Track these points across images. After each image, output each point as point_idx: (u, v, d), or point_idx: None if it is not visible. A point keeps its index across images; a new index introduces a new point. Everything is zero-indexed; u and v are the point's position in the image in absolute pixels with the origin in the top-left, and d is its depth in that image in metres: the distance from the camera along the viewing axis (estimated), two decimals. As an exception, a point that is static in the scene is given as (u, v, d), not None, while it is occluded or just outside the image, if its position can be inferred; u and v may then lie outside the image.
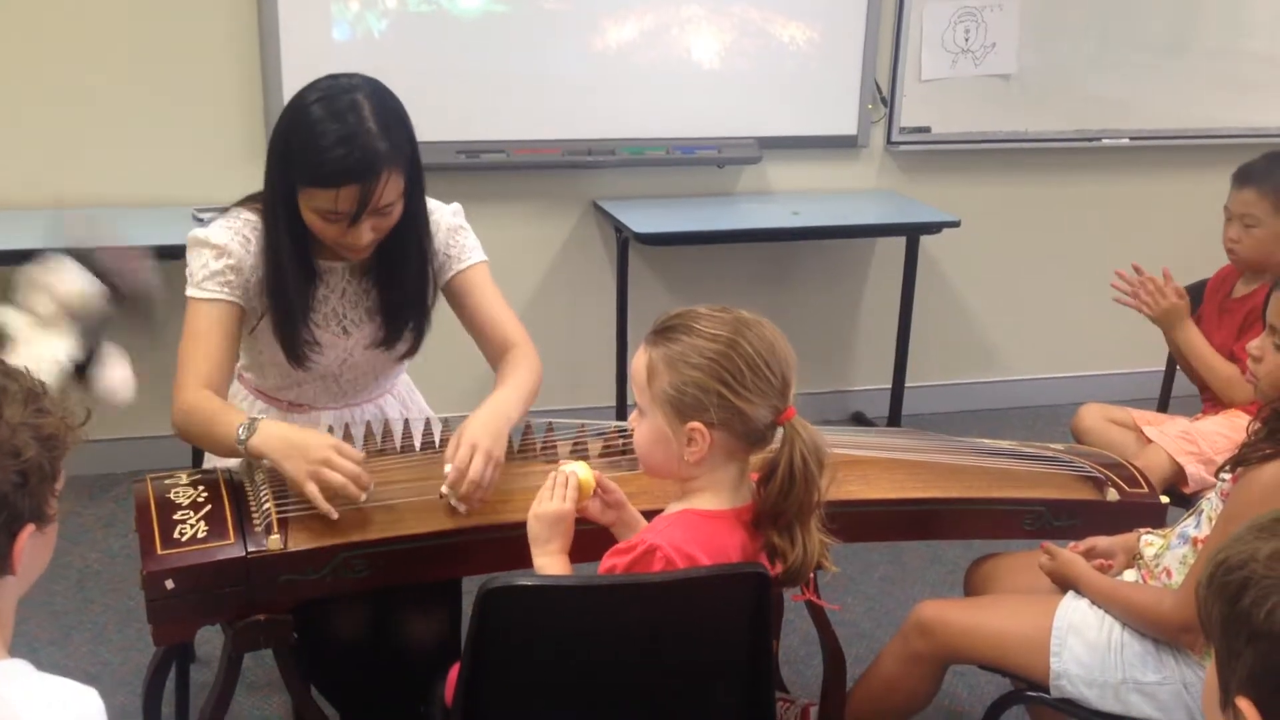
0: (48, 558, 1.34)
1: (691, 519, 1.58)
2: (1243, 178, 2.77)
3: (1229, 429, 2.65)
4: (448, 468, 1.80)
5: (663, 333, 1.57)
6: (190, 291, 1.97)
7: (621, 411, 3.76)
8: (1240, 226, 2.75)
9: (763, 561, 1.60)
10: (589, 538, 1.69)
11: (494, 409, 1.90)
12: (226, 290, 1.95)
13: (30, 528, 1.23)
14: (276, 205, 1.93)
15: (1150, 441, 2.73)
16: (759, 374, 1.52)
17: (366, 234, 1.90)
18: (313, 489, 1.72)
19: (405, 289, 2.03)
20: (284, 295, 1.96)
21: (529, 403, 1.99)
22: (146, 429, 3.44)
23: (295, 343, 1.99)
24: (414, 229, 1.99)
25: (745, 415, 1.52)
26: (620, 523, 1.72)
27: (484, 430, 1.83)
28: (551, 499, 1.63)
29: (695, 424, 1.53)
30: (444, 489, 1.80)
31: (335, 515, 1.73)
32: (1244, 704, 1.04)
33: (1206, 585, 1.11)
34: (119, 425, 3.51)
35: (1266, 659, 1.03)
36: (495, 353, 2.09)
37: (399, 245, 1.98)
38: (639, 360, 1.60)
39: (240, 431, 1.81)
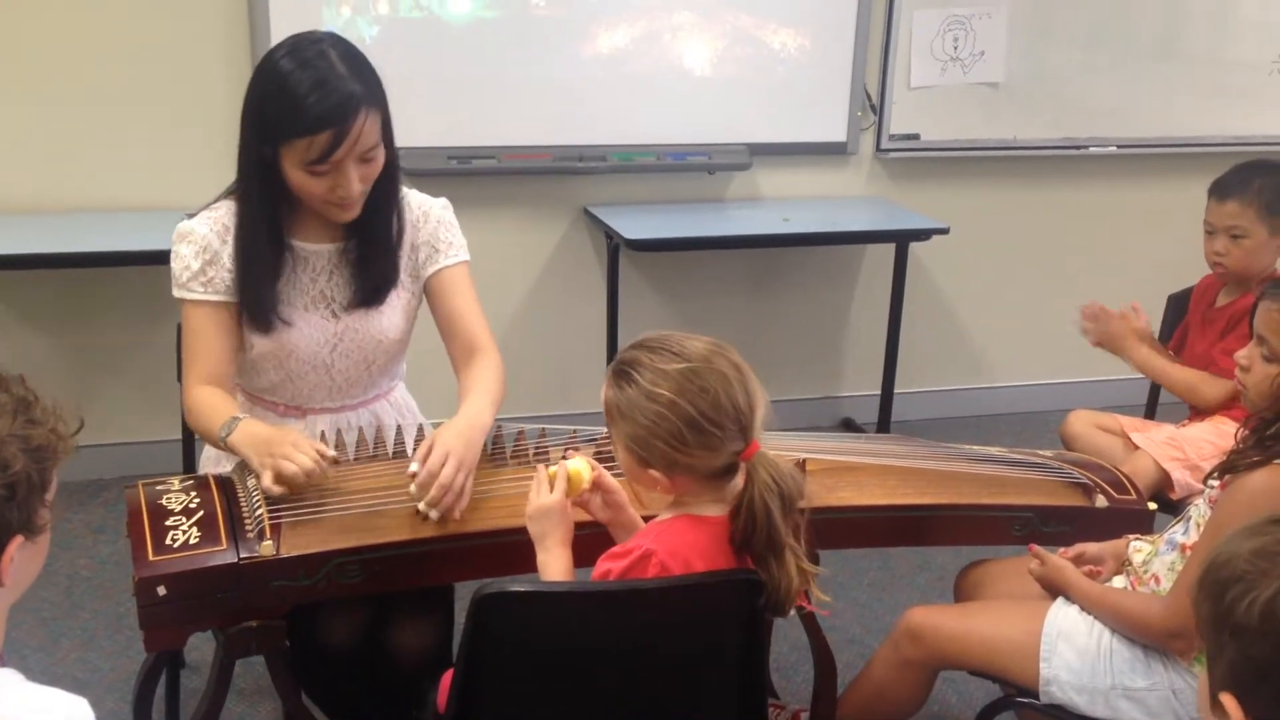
0: (39, 567, 1.33)
1: (685, 524, 1.59)
2: (1222, 191, 2.76)
3: (1215, 435, 2.67)
4: (414, 467, 1.80)
5: (618, 372, 1.57)
6: (176, 293, 2.00)
7: (612, 417, 3.76)
8: (1227, 239, 2.74)
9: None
10: (585, 542, 1.69)
11: (468, 418, 1.91)
12: (209, 290, 1.98)
13: (19, 539, 1.23)
14: (252, 170, 1.95)
15: (1137, 448, 2.75)
16: (701, 431, 1.51)
17: (355, 183, 1.91)
18: (268, 477, 1.78)
19: (377, 238, 2.04)
20: (250, 259, 1.97)
21: (498, 409, 2.01)
22: (136, 434, 3.45)
23: (254, 303, 1.99)
24: (388, 177, 2.00)
25: (694, 467, 1.54)
26: (618, 523, 1.73)
27: (458, 438, 1.83)
28: (539, 495, 1.65)
29: (653, 471, 1.55)
30: (412, 488, 1.80)
31: (276, 491, 1.78)
32: (1226, 699, 1.05)
33: (1198, 587, 1.12)
34: (108, 430, 3.51)
35: (1246, 652, 1.04)
36: (462, 354, 2.09)
37: (374, 196, 2.00)
38: (603, 394, 1.60)
39: (222, 430, 1.89)
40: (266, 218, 1.97)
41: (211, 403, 1.95)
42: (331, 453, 1.84)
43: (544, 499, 1.65)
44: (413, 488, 1.80)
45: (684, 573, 1.53)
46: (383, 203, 2.02)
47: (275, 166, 1.91)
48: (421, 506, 1.80)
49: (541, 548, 1.64)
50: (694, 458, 1.52)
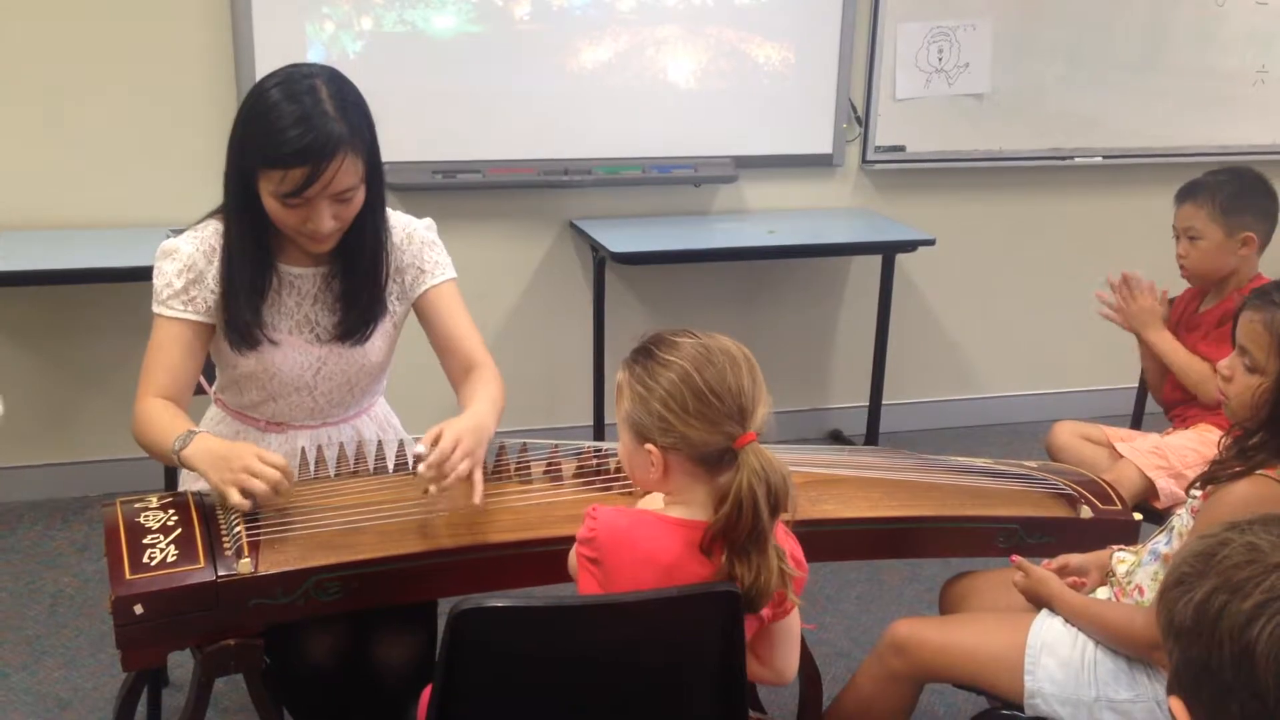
0: None
1: (644, 517, 1.60)
2: (1182, 194, 2.84)
3: (1199, 443, 2.68)
4: (420, 449, 1.79)
5: (633, 355, 1.61)
6: (155, 308, 2.00)
7: (599, 431, 3.76)
8: (1186, 241, 2.82)
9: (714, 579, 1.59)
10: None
11: (475, 419, 1.90)
12: (190, 309, 1.98)
13: None
14: (236, 192, 1.95)
15: (1122, 457, 2.75)
16: (705, 402, 1.53)
17: (327, 220, 1.91)
18: (235, 494, 1.75)
19: (361, 273, 2.04)
20: (234, 277, 1.97)
21: (499, 420, 2.00)
22: (120, 451, 3.43)
23: (239, 324, 1.98)
24: (372, 217, 2.00)
25: (690, 440, 1.54)
26: None
27: (468, 430, 1.84)
28: None
29: (649, 445, 1.56)
30: (421, 468, 1.78)
31: (246, 506, 1.76)
32: (1174, 703, 1.05)
33: (1157, 597, 1.12)
34: (92, 448, 3.49)
35: (1186, 653, 1.04)
36: (459, 370, 2.09)
37: (357, 234, 1.99)
38: (616, 378, 1.64)
39: (176, 442, 1.86)
40: (252, 240, 1.97)
41: (162, 415, 1.93)
42: (283, 460, 1.82)
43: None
44: (421, 467, 1.78)
45: (612, 549, 1.54)
46: (367, 238, 2.01)
47: (256, 190, 1.91)
48: (431, 489, 1.79)
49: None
50: (690, 427, 1.53)
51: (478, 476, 1.83)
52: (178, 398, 1.98)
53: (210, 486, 1.82)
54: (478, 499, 1.82)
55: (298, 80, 1.89)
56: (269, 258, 2.00)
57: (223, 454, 1.82)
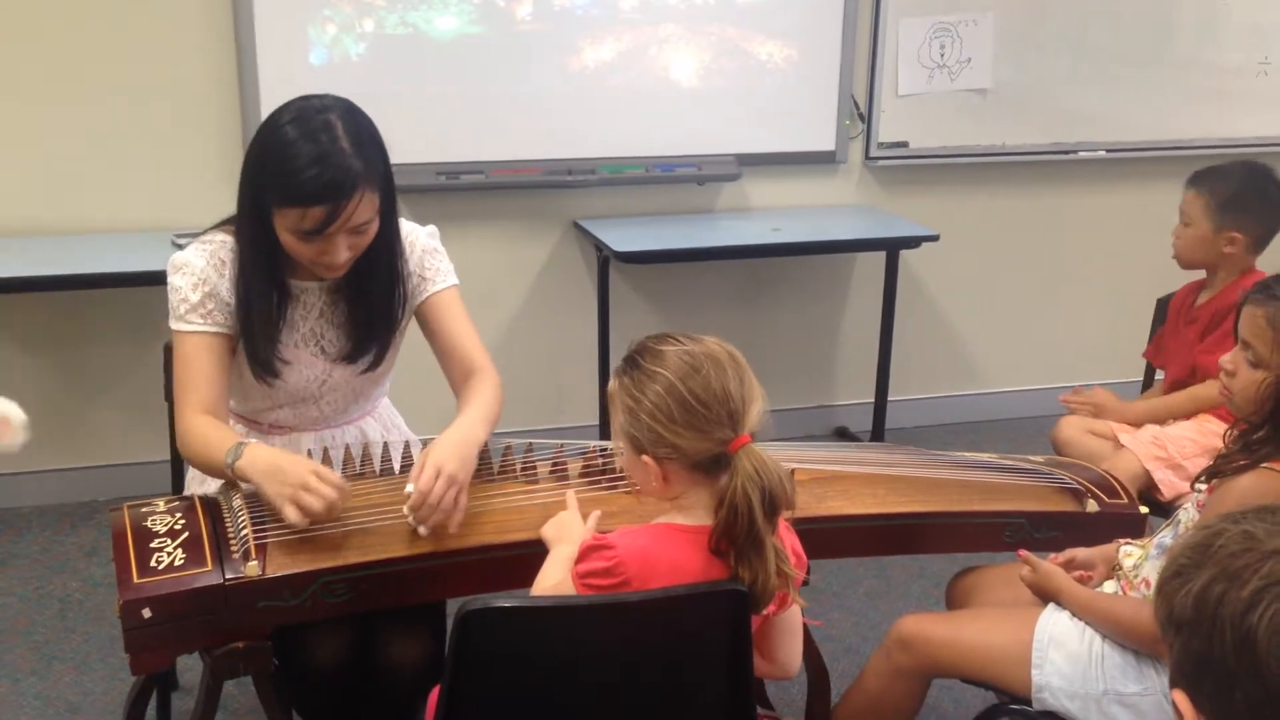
0: None
1: (661, 531, 1.59)
2: (1191, 179, 2.88)
3: (1197, 433, 2.69)
4: (409, 488, 1.79)
5: (622, 365, 1.61)
6: (173, 324, 1.99)
7: (604, 431, 3.76)
8: (1180, 225, 2.86)
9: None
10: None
11: (461, 432, 1.90)
12: (208, 321, 1.97)
13: None
14: (249, 225, 1.95)
15: (1123, 446, 2.75)
16: (692, 411, 1.53)
17: (343, 252, 1.91)
18: (292, 512, 1.73)
19: (374, 303, 2.04)
20: (251, 312, 1.97)
21: (493, 426, 2.00)
22: (127, 455, 3.44)
23: (261, 357, 1.99)
24: (386, 246, 2.01)
25: (682, 449, 1.54)
26: None
27: (450, 453, 1.82)
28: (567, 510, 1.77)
29: (645, 457, 1.57)
30: (405, 509, 1.79)
31: (305, 523, 1.75)
32: (1178, 696, 1.04)
33: (1155, 590, 1.12)
34: (99, 452, 3.50)
35: (1187, 645, 1.04)
36: (459, 375, 2.10)
37: (370, 261, 2.00)
38: (609, 389, 1.64)
39: (228, 455, 1.84)
40: (265, 269, 1.97)
41: (210, 432, 1.92)
42: (339, 477, 1.81)
43: (566, 511, 1.75)
44: (405, 509, 1.79)
45: (640, 570, 1.53)
46: (380, 265, 2.01)
47: (270, 223, 1.91)
48: (412, 521, 1.79)
49: (552, 555, 1.70)
50: (680, 438, 1.53)
51: (462, 500, 1.82)
52: (218, 409, 1.97)
53: (265, 499, 1.80)
54: (453, 527, 1.81)
55: (312, 116, 1.88)
56: (280, 277, 2.00)
57: (279, 466, 1.80)
